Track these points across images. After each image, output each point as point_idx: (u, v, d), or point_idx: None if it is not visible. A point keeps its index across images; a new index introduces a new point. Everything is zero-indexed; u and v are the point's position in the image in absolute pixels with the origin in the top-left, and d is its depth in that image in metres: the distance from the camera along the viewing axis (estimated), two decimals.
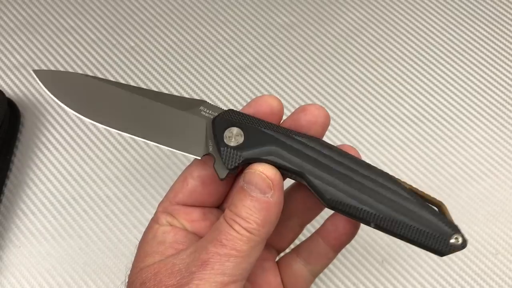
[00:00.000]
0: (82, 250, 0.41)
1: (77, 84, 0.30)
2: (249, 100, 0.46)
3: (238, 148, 0.27)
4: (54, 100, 0.30)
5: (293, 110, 0.45)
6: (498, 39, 0.48)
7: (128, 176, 0.43)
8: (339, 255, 0.40)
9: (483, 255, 0.40)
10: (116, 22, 0.50)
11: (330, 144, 0.28)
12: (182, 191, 0.29)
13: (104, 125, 0.29)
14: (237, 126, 0.27)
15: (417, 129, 0.44)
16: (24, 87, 0.47)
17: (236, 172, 0.28)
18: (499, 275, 0.39)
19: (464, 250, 0.40)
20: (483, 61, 0.47)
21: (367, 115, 0.45)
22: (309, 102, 0.46)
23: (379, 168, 0.27)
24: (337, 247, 0.31)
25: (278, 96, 0.46)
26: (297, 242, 0.33)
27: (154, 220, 0.30)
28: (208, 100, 0.46)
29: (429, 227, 0.26)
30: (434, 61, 0.48)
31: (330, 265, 0.39)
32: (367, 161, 0.43)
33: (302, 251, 0.32)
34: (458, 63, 0.47)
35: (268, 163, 0.27)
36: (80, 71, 0.48)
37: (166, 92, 0.47)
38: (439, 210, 0.27)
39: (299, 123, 0.28)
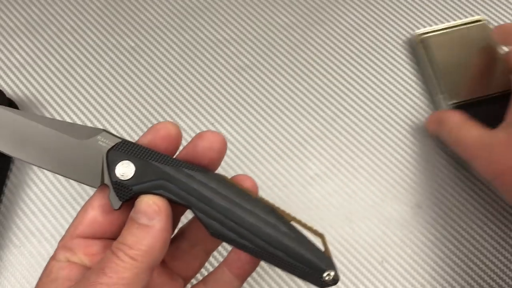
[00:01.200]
0: None
1: None
2: (248, 100, 0.46)
3: (129, 182, 0.28)
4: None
5: (293, 110, 0.45)
6: None
7: None
8: (339, 255, 0.40)
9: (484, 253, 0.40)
10: (117, 22, 0.51)
11: (220, 176, 0.28)
12: (83, 222, 0.29)
13: (3, 151, 0.29)
14: (129, 160, 0.28)
15: (417, 129, 0.45)
16: (24, 87, 0.47)
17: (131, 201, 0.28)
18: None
19: (465, 248, 0.40)
20: None
21: (367, 115, 0.45)
22: (309, 102, 0.46)
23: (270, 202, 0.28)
24: (242, 276, 0.32)
25: (278, 97, 0.46)
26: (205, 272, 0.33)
27: (52, 257, 0.29)
28: (208, 101, 0.46)
29: (304, 263, 0.27)
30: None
31: None
32: (372, 158, 0.43)
33: (208, 281, 0.32)
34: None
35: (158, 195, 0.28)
36: (80, 71, 0.48)
37: (165, 92, 0.47)
38: (322, 241, 0.28)
39: (196, 149, 0.29)
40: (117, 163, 0.28)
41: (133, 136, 0.45)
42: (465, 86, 0.44)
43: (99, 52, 0.49)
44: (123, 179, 0.28)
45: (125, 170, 0.28)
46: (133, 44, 0.49)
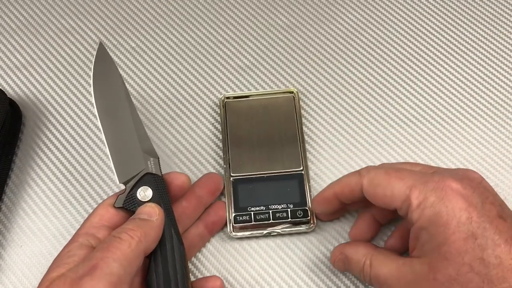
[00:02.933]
0: None
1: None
2: None
3: (138, 202, 0.34)
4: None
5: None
6: (497, 40, 0.49)
7: None
8: None
9: None
10: (117, 23, 0.51)
11: (184, 254, 0.34)
12: (109, 211, 0.34)
13: (97, 114, 0.36)
14: (152, 191, 0.35)
15: (416, 130, 0.45)
16: (25, 87, 0.48)
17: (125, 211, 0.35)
18: None
19: None
20: (482, 62, 0.48)
21: (367, 116, 0.45)
22: (310, 103, 0.46)
23: None
24: (213, 230, 0.40)
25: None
26: None
27: (72, 240, 0.33)
28: (208, 100, 0.46)
29: None
30: (433, 61, 0.48)
31: (329, 264, 0.40)
32: (367, 161, 0.43)
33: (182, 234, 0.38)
34: (456, 63, 0.48)
35: None
36: (81, 72, 0.48)
37: (165, 93, 0.47)
38: None
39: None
40: (144, 186, 0.35)
41: None
42: (252, 159, 0.42)
43: None
44: (138, 197, 0.35)
45: (144, 194, 0.35)
46: (133, 45, 0.49)
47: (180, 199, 0.38)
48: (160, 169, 0.36)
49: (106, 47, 0.49)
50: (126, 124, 0.37)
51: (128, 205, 0.34)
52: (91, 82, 0.37)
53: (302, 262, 0.40)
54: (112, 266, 0.29)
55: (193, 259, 0.40)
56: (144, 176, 0.35)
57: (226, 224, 0.40)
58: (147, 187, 0.35)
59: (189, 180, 0.37)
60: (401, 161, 0.43)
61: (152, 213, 0.33)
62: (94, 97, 0.37)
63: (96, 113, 0.36)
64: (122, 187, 0.35)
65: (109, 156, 0.36)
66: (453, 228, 0.29)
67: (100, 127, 0.36)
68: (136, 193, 0.35)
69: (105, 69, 0.38)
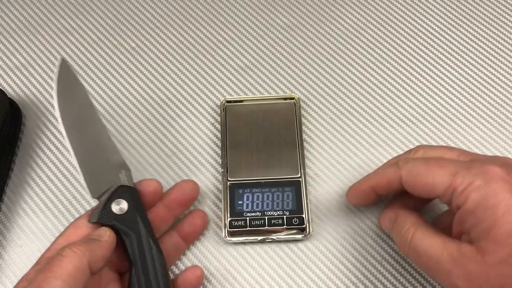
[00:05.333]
0: None
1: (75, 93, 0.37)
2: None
3: (113, 217, 0.35)
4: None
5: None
6: (497, 40, 0.49)
7: None
8: (339, 255, 0.40)
9: None
10: (117, 23, 0.51)
11: (163, 261, 0.35)
12: (82, 227, 0.35)
13: (63, 132, 0.34)
14: (127, 203, 0.35)
15: (416, 130, 0.45)
16: (25, 87, 0.48)
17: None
18: None
19: None
20: (481, 62, 0.48)
21: (367, 116, 0.46)
22: (309, 103, 0.46)
23: None
24: (189, 240, 0.40)
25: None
26: None
27: (37, 262, 0.33)
28: (208, 100, 0.46)
29: None
30: (433, 61, 0.48)
31: (330, 264, 0.40)
32: (366, 161, 0.43)
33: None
34: (456, 63, 0.48)
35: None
36: (81, 72, 0.48)
37: (166, 93, 0.47)
38: None
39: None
40: (118, 199, 0.35)
41: (133, 135, 0.45)
42: (250, 164, 0.42)
43: (100, 52, 0.49)
44: (113, 210, 0.35)
45: (119, 207, 0.35)
46: (134, 45, 0.49)
47: (150, 210, 0.38)
48: (133, 181, 0.36)
49: (106, 47, 0.49)
50: (94, 139, 0.36)
51: (104, 220, 0.34)
52: (55, 97, 0.34)
53: (298, 268, 0.40)
54: (54, 284, 0.30)
55: (187, 262, 0.40)
56: (118, 189, 0.35)
57: (221, 229, 0.40)
58: (121, 199, 0.35)
59: (160, 186, 0.38)
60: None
61: (103, 235, 0.34)
62: (60, 115, 0.34)
63: (63, 132, 0.34)
64: (96, 202, 0.36)
65: (80, 173, 0.35)
66: (502, 210, 0.28)
67: (68, 144, 0.34)
68: (111, 207, 0.35)
69: (69, 85, 0.36)
